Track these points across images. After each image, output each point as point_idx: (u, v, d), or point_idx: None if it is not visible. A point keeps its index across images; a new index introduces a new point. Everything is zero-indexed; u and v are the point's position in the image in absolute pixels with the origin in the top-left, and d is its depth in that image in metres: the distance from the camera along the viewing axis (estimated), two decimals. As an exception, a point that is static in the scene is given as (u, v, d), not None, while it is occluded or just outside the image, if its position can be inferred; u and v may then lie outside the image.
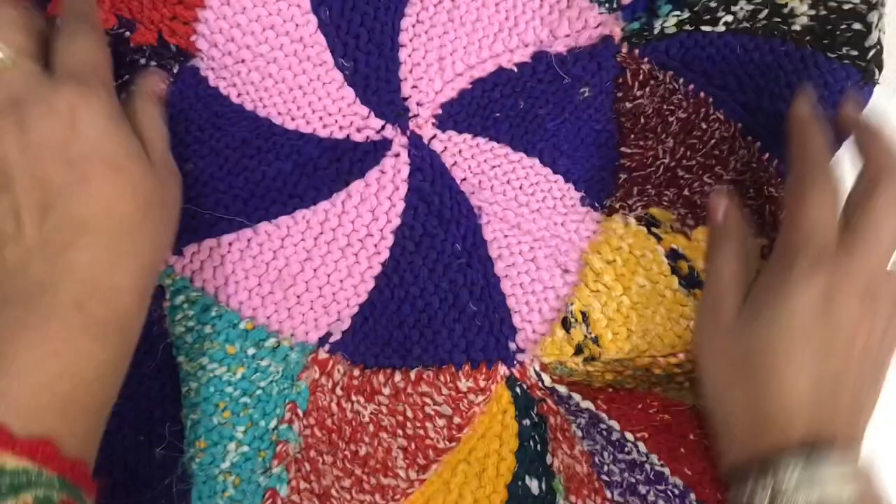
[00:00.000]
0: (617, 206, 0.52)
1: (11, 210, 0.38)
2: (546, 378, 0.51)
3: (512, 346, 0.51)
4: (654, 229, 0.52)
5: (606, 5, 0.53)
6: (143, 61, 0.52)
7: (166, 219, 0.43)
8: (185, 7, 0.51)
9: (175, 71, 0.53)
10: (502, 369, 0.51)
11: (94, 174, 0.38)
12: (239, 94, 0.53)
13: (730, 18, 0.51)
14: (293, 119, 0.52)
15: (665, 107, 0.53)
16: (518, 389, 0.51)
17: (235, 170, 0.51)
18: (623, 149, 0.53)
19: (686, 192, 0.52)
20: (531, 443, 0.50)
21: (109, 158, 0.39)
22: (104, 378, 0.39)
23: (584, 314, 0.50)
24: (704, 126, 0.53)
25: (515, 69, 0.53)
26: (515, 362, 0.51)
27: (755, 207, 0.51)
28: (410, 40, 0.53)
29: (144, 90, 0.46)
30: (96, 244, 0.38)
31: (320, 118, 0.52)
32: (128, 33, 0.52)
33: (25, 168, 0.37)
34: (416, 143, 0.52)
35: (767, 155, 0.52)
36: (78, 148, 0.38)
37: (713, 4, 0.51)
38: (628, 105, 0.53)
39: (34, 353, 0.36)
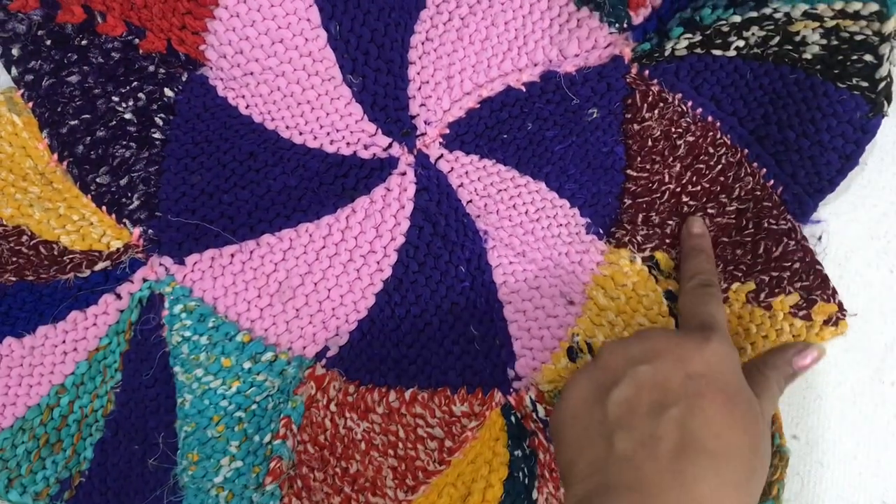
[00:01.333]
0: (626, 240, 0.52)
1: (626, 402, 0.40)
2: (541, 409, 0.51)
3: (510, 372, 0.51)
4: (653, 272, 0.52)
5: (617, 25, 0.53)
6: (151, 68, 0.53)
7: (766, 467, 0.42)
8: (194, 17, 0.52)
9: (184, 79, 0.53)
10: (498, 396, 0.51)
11: (707, 393, 0.40)
12: (247, 106, 0.53)
13: (741, 44, 0.51)
14: (301, 133, 0.53)
15: (673, 129, 0.53)
16: (513, 418, 0.51)
17: (241, 182, 0.52)
18: (629, 171, 0.53)
19: None
20: (520, 474, 0.50)
21: (724, 388, 0.41)
22: None
23: (588, 345, 0.51)
24: (711, 151, 0.53)
25: (524, 89, 0.53)
26: (512, 390, 0.51)
27: (748, 247, 0.51)
28: (419, 58, 0.53)
29: (779, 362, 0.47)
30: (707, 462, 0.38)
31: (327, 134, 0.53)
32: (137, 40, 0.53)
33: (649, 372, 0.41)
34: (422, 162, 0.53)
35: (772, 181, 0.52)
36: (698, 368, 0.41)
37: (725, 29, 0.51)
38: (636, 127, 0.53)
39: None
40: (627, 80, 0.53)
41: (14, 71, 0.52)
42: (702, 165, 0.53)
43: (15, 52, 0.52)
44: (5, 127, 0.53)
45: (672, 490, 0.38)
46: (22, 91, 0.52)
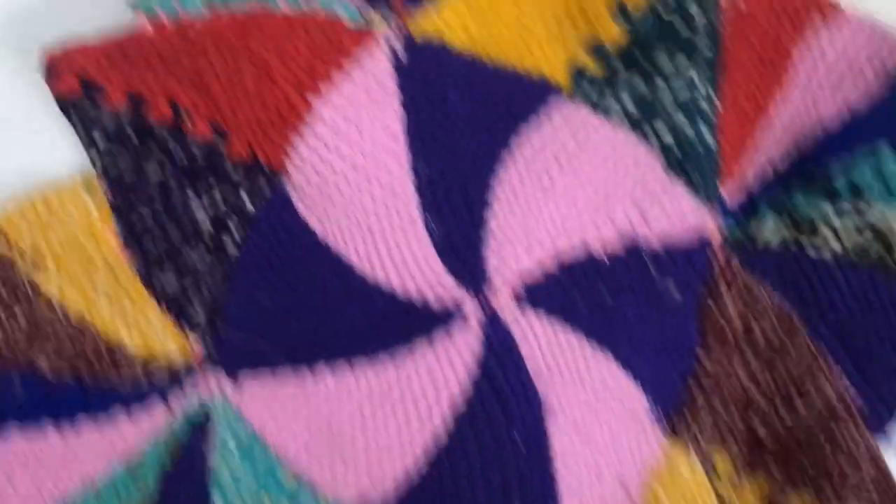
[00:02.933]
0: (688, 432, 0.51)
1: None
2: None
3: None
4: (710, 474, 0.51)
5: (707, 204, 0.53)
6: (234, 176, 0.53)
7: None
8: (282, 133, 0.52)
9: (265, 192, 0.53)
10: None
11: None
12: (324, 231, 0.53)
13: (838, 246, 0.51)
14: (372, 268, 0.53)
15: (754, 320, 0.52)
16: None
17: (308, 310, 0.52)
18: (702, 358, 0.52)
19: (755, 424, 0.51)
20: None
21: None
22: None
23: None
24: (792, 350, 0.51)
25: (604, 255, 0.53)
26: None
27: (816, 459, 0.50)
28: (501, 209, 0.53)
29: None
30: None
31: (399, 274, 0.52)
32: (222, 144, 0.53)
33: None
34: (491, 318, 0.52)
35: (853, 392, 0.51)
36: None
37: (823, 228, 0.50)
38: (716, 312, 0.52)
39: None
40: (712, 261, 0.52)
41: (93, 155, 0.52)
42: (780, 365, 0.51)
43: (97, 137, 0.52)
44: (80, 210, 0.53)
45: None
46: (99, 176, 0.52)
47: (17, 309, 0.51)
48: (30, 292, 0.52)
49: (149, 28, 0.49)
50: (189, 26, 0.48)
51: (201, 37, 0.48)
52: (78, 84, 0.50)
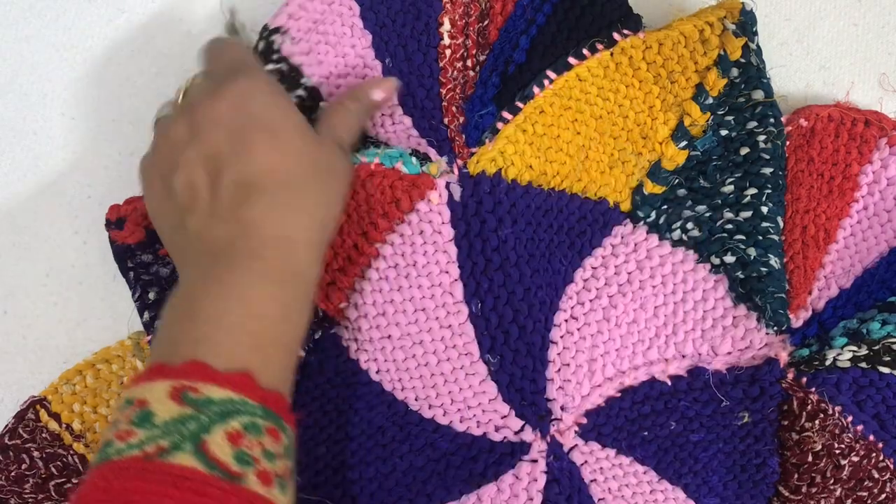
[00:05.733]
0: None
1: (188, 185, 0.44)
2: None
3: None
4: None
5: (774, 327, 0.52)
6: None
7: (333, 183, 0.47)
8: (345, 274, 0.53)
9: (316, 337, 0.53)
10: None
11: (255, 139, 0.44)
12: (378, 371, 0.53)
13: (911, 363, 0.49)
14: (430, 407, 0.53)
15: (836, 445, 0.50)
16: None
17: (367, 458, 0.51)
18: (781, 488, 0.50)
19: None
20: None
21: (267, 126, 0.44)
22: (288, 317, 0.44)
23: None
24: (876, 476, 0.50)
25: (669, 382, 0.52)
26: None
27: None
28: (562, 337, 0.53)
29: (360, 94, 0.52)
30: (264, 200, 0.43)
31: (458, 410, 0.52)
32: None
33: (193, 146, 0.44)
34: (555, 451, 0.51)
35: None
36: (238, 121, 0.44)
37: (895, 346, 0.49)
38: (795, 436, 0.51)
39: (224, 301, 0.42)
40: (783, 385, 0.51)
41: (146, 315, 0.53)
42: (864, 493, 0.50)
43: (151, 295, 0.53)
44: (128, 372, 0.54)
45: (240, 239, 0.42)
46: (150, 338, 0.53)
47: (67, 485, 0.52)
48: (80, 466, 0.52)
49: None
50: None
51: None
52: (142, 231, 0.52)
